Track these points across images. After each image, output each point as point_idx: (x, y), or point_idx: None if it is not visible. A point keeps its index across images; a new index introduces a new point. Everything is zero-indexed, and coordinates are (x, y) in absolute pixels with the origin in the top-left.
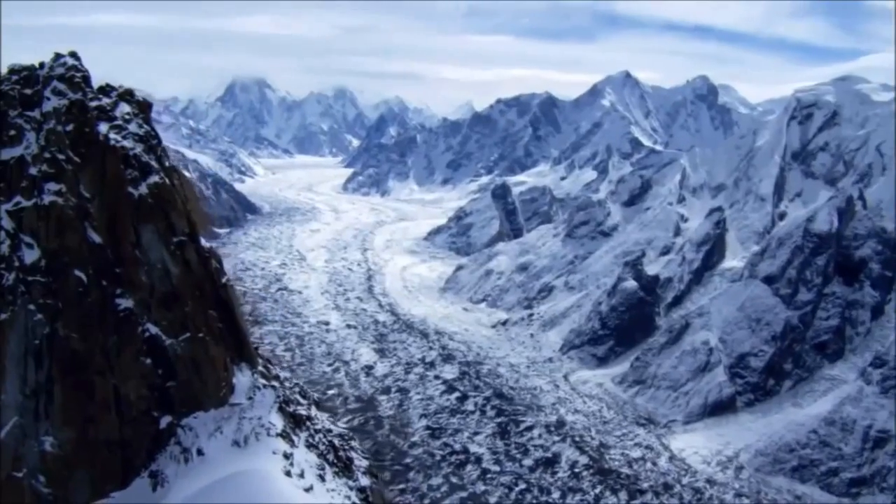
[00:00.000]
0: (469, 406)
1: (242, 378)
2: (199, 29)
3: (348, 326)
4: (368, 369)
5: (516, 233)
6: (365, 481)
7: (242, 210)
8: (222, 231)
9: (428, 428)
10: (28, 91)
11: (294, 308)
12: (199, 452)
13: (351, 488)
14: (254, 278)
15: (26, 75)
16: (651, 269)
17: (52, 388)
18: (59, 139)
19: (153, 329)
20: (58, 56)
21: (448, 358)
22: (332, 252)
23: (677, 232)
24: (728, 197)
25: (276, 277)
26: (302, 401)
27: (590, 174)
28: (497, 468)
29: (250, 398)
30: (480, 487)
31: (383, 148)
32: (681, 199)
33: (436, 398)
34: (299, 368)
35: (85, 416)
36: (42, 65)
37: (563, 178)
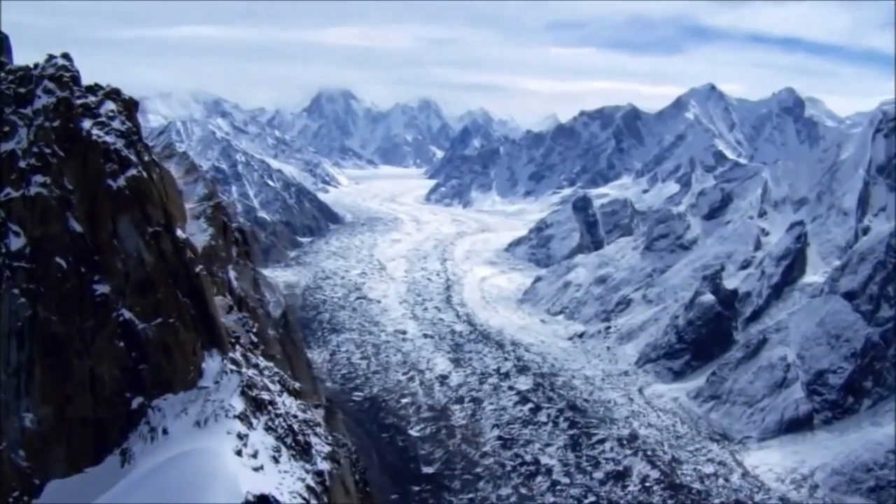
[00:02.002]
0: (542, 417)
1: (212, 363)
2: (287, 41)
3: (425, 336)
4: (443, 379)
5: (597, 245)
6: (324, 466)
7: (325, 219)
8: (304, 240)
9: (500, 438)
10: (22, 90)
11: (372, 317)
12: (164, 432)
13: (308, 471)
14: (333, 287)
15: (22, 75)
16: (730, 283)
17: (32, 368)
18: (46, 134)
19: (127, 314)
20: (50, 57)
21: (523, 369)
22: (411, 262)
23: (758, 246)
24: (810, 211)
25: (356, 286)
26: (272, 387)
27: (672, 187)
28: (567, 480)
29: (217, 382)
30: (550, 499)
31: (466, 159)
32: (762, 213)
33: (509, 409)
34: (374, 377)
35: (62, 394)
36: (37, 65)
37: (645, 191)
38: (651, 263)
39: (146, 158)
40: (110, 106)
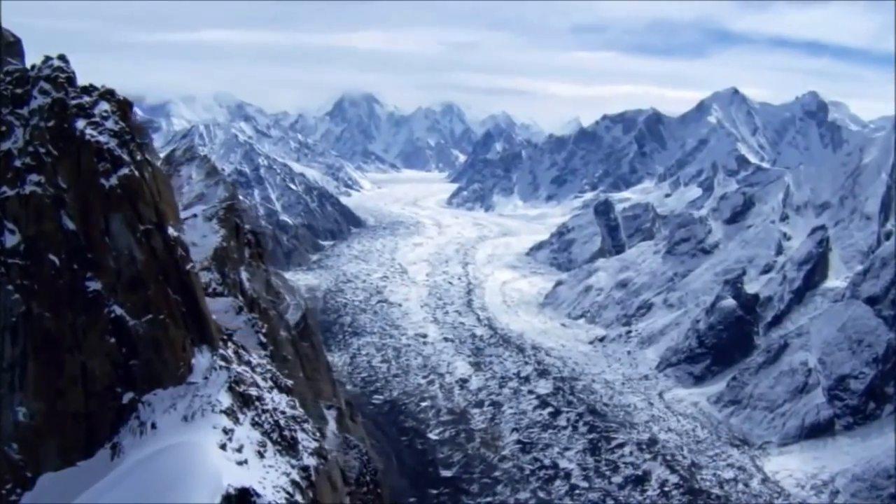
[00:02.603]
0: (561, 421)
1: (202, 359)
2: (310, 45)
3: (445, 339)
4: (463, 382)
5: (618, 249)
6: (311, 461)
7: (347, 223)
8: (326, 243)
9: (519, 442)
10: (19, 90)
11: (393, 320)
12: (153, 426)
13: (293, 466)
14: (354, 290)
15: (19, 76)
16: (751, 287)
17: (26, 363)
18: (41, 134)
19: (118, 310)
20: (47, 59)
21: (543, 373)
22: (433, 266)
23: (779, 250)
24: (833, 215)
25: (377, 290)
26: (261, 384)
27: (695, 191)
28: (586, 484)
29: (206, 378)
30: (568, 503)
31: (489, 163)
32: (784, 217)
33: (528, 413)
34: (394, 380)
35: (55, 389)
36: (34, 66)
37: (667, 195)
38: (672, 268)
39: (139, 158)
40: (104, 106)
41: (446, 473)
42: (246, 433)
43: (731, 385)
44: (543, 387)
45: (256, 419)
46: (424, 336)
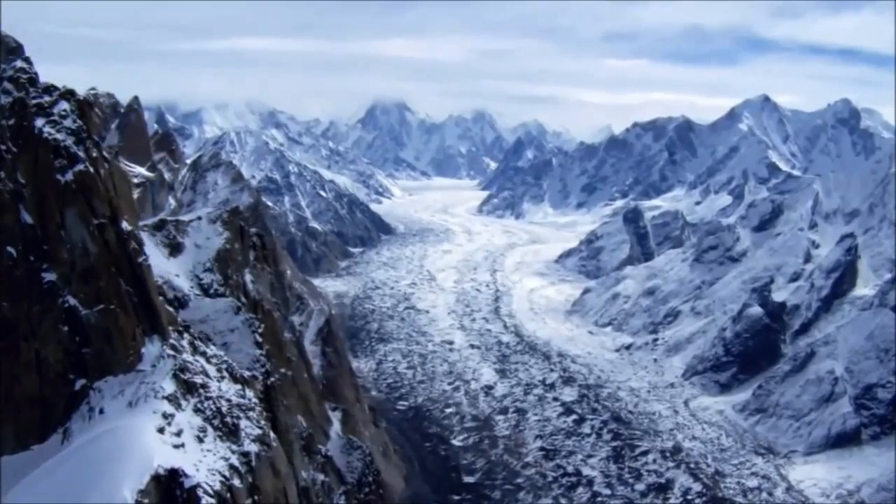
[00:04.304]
0: (585, 429)
1: (152, 348)
2: (342, 53)
3: (472, 346)
4: (488, 389)
5: (647, 257)
6: (252, 448)
7: (376, 230)
8: (355, 250)
9: (542, 449)
10: None
11: (420, 327)
12: (101, 411)
13: (234, 452)
14: (382, 297)
15: None
16: (779, 295)
17: None
18: (1, 132)
19: (72, 300)
20: (10, 60)
21: (568, 380)
22: (461, 273)
23: (808, 258)
24: (862, 223)
25: (405, 296)
26: (211, 373)
27: (725, 199)
28: (608, 492)
29: (154, 366)
30: None
31: (519, 171)
32: (813, 225)
33: (553, 420)
34: (420, 386)
35: (11, 375)
36: None
37: (697, 203)
38: (700, 275)
39: (94, 155)
40: (64, 106)
41: (469, 479)
42: (187, 418)
43: (756, 393)
44: (568, 394)
45: (199, 405)
46: (451, 343)
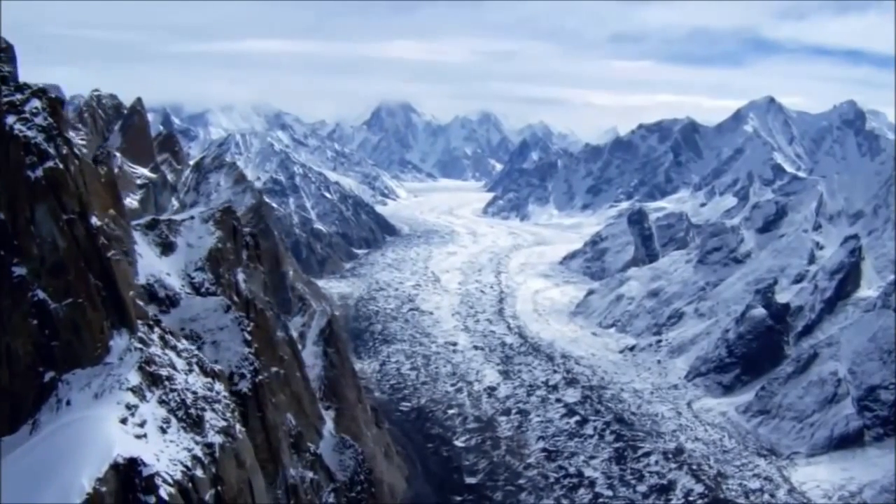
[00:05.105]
0: (588, 430)
1: (119, 341)
2: (347, 55)
3: (475, 348)
4: (491, 390)
5: (652, 259)
6: (216, 439)
7: (381, 232)
8: (360, 251)
9: (544, 450)
10: None
11: (424, 328)
12: (68, 403)
13: (197, 443)
14: (387, 298)
15: None
16: (783, 297)
17: None
18: None
19: (41, 294)
20: None
21: (572, 382)
22: (466, 274)
23: (812, 260)
24: (866, 224)
25: (409, 298)
26: (179, 365)
27: (730, 201)
28: (610, 493)
29: (121, 359)
30: None
31: (524, 173)
32: (817, 227)
33: (555, 421)
34: (423, 387)
35: None
36: None
37: (702, 205)
38: (704, 277)
39: (65, 152)
40: (35, 104)
41: (471, 480)
42: (151, 410)
43: (759, 395)
44: (571, 395)
45: (164, 397)
46: (454, 344)
